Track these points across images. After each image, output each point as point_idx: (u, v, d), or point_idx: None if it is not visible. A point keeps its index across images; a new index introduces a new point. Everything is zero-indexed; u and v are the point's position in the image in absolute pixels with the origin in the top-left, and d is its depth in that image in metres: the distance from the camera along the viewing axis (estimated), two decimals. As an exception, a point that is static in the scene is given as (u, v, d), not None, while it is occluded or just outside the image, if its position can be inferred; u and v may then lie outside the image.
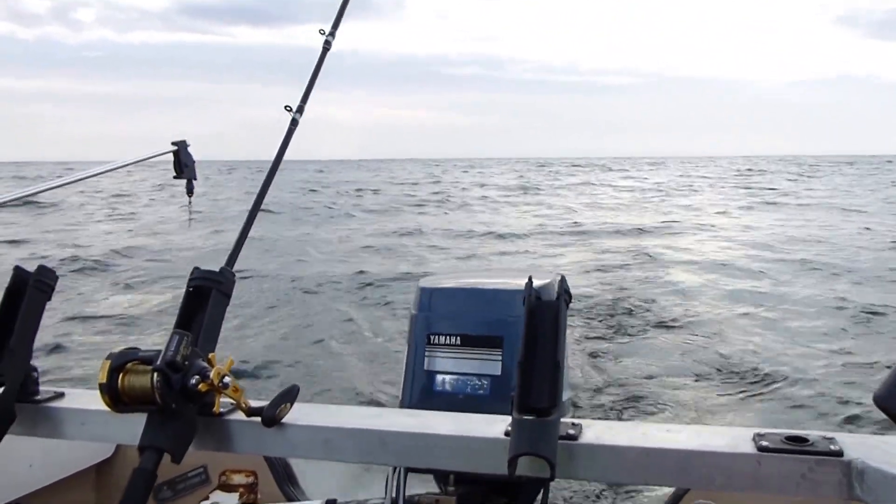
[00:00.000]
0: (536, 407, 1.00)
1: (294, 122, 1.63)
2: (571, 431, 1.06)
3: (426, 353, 1.88)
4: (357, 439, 1.10)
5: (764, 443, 0.99)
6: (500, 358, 1.81)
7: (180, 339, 1.05)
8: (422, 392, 1.86)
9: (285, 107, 1.65)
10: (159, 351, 1.05)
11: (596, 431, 1.07)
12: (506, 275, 2.07)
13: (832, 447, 0.97)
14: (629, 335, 8.62)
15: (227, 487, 2.23)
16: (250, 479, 2.23)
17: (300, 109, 1.66)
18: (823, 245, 15.15)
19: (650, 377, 7.10)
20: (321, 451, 1.11)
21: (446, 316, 1.88)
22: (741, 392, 6.79)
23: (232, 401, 1.11)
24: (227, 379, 1.08)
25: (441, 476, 1.88)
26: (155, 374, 1.02)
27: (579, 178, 49.09)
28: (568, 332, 1.12)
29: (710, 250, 14.77)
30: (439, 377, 1.86)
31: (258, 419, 1.11)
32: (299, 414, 1.14)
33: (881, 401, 0.89)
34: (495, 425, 1.09)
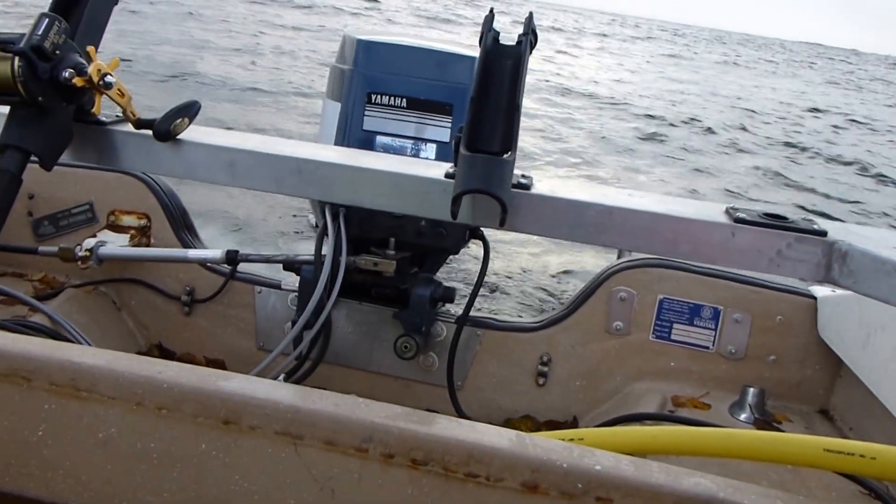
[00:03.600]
0: (488, 149, 0.86)
1: None
2: (523, 181, 0.94)
3: (365, 113, 1.71)
4: (268, 165, 0.95)
5: (740, 215, 0.90)
6: (449, 125, 1.69)
7: (50, 22, 0.86)
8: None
9: None
10: (23, 35, 0.86)
11: (550, 185, 0.95)
12: (448, 44, 1.90)
13: (815, 227, 0.89)
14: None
15: (117, 228, 2.05)
16: (143, 222, 2.06)
17: None
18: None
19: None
20: (225, 175, 0.96)
21: (390, 74, 1.71)
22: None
23: (118, 108, 0.94)
24: (109, 78, 0.90)
25: (378, 242, 1.82)
26: (16, 59, 0.84)
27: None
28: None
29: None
30: (380, 138, 1.71)
31: (149, 132, 0.95)
32: (199, 134, 0.98)
33: None
34: (434, 168, 0.96)
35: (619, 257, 2.17)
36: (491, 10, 0.93)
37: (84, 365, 0.90)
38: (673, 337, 1.87)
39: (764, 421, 1.71)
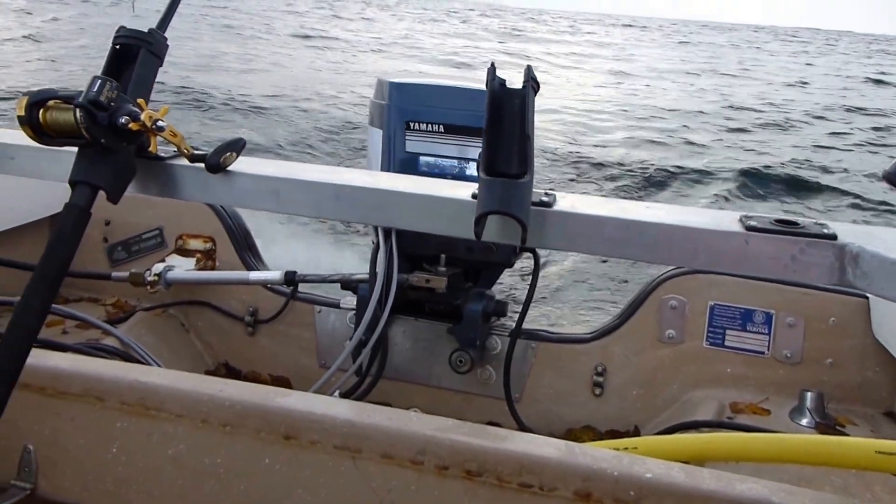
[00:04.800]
0: (506, 172, 0.91)
1: None
2: (545, 199, 0.99)
3: (406, 137, 1.81)
4: (309, 191, 1.02)
5: (752, 223, 0.92)
6: None
7: (103, 83, 0.95)
8: (403, 170, 1.80)
9: None
10: (81, 91, 0.95)
11: (571, 201, 0.99)
12: (472, 81, 1.98)
13: (825, 231, 0.91)
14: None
15: (184, 252, 2.18)
16: (208, 246, 2.19)
17: None
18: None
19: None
20: (271, 202, 1.03)
21: (425, 107, 1.82)
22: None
23: (172, 146, 1.02)
24: (161, 123, 0.98)
25: (430, 259, 1.90)
26: (78, 111, 0.93)
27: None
28: None
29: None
30: (423, 158, 1.82)
31: (202, 165, 1.03)
32: (246, 165, 1.06)
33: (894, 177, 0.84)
34: (463, 189, 1.01)
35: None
36: (492, 64, 0.97)
37: (151, 385, 0.97)
38: (727, 343, 1.86)
39: (826, 425, 1.68)
